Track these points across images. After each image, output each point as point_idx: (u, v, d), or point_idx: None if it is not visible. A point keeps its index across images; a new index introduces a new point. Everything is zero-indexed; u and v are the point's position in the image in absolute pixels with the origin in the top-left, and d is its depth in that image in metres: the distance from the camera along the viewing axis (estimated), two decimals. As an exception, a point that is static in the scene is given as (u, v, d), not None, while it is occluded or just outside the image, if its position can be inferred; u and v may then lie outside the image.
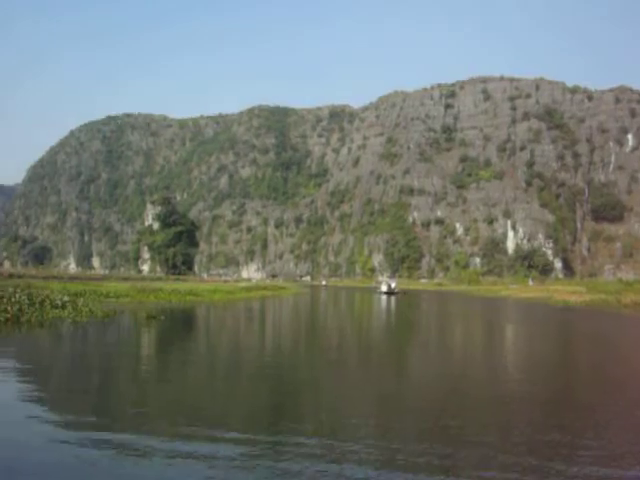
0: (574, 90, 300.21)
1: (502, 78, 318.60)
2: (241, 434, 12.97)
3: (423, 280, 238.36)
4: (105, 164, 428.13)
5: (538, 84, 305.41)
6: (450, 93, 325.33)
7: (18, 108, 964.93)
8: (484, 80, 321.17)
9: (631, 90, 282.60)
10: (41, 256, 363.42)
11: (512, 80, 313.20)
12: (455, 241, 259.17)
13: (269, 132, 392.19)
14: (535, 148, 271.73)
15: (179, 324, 42.70)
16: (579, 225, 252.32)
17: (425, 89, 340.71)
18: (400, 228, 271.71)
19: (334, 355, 27.80)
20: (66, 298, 44.04)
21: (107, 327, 36.02)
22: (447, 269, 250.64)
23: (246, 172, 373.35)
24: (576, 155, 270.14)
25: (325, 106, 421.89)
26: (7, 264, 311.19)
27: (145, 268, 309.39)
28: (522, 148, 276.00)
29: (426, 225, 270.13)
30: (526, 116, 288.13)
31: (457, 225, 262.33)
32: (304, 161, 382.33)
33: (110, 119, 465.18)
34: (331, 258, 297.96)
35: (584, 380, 23.09)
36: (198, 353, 27.32)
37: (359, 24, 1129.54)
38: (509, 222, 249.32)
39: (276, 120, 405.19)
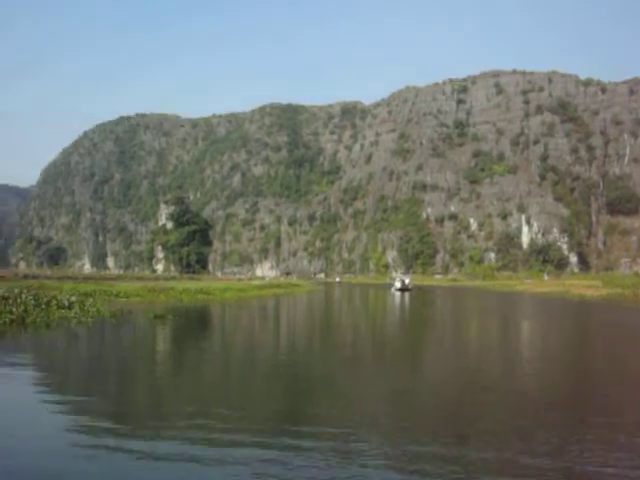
0: (587, 82, 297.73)
1: (514, 72, 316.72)
2: (258, 437, 12.64)
3: (437, 276, 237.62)
4: (118, 164, 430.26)
5: (551, 77, 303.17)
6: (462, 88, 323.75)
7: (31, 110, 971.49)
8: (496, 74, 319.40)
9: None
10: (56, 257, 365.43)
11: (524, 73, 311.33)
12: (469, 236, 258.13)
13: (281, 130, 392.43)
14: (549, 142, 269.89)
15: (187, 323, 42.27)
16: (594, 219, 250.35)
17: (437, 84, 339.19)
18: (414, 224, 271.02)
19: (349, 352, 27.52)
20: (73, 298, 43.72)
21: (112, 327, 35.86)
22: (461, 265, 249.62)
23: (259, 170, 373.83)
24: (590, 148, 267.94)
25: (337, 103, 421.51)
26: (22, 265, 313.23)
27: (159, 267, 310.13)
28: (536, 142, 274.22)
29: (440, 221, 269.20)
30: (539, 109, 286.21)
31: (471, 220, 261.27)
32: (316, 158, 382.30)
33: (123, 119, 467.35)
34: (345, 255, 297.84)
35: (606, 376, 22.57)
36: (205, 352, 26.85)
37: (369, 21, 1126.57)
38: (523, 216, 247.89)
39: (288, 118, 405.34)
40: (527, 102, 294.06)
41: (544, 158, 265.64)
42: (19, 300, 37.97)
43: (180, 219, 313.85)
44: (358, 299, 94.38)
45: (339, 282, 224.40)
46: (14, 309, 35.32)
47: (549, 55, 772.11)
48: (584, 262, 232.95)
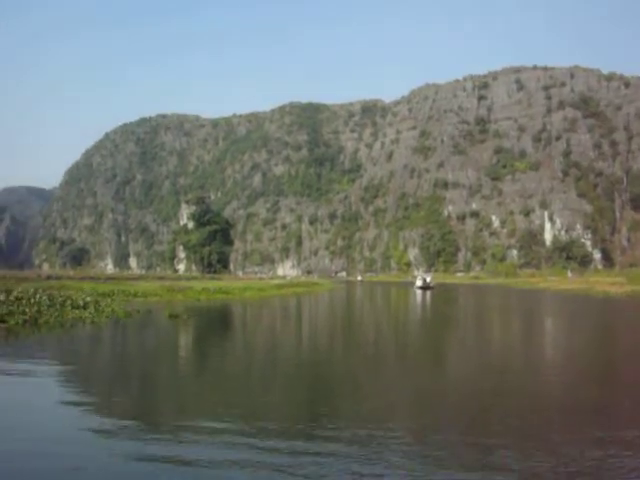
0: (610, 77, 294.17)
1: (535, 67, 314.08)
2: (282, 440, 12.56)
3: (459, 274, 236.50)
4: (140, 165, 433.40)
5: (573, 72, 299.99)
6: (483, 84, 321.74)
7: (54, 112, 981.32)
8: (517, 70, 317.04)
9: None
10: (79, 257, 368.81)
11: (546, 69, 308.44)
12: (491, 234, 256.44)
13: (301, 129, 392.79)
14: (571, 137, 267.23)
15: (203, 323, 42.04)
16: (618, 215, 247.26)
17: (457, 81, 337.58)
18: (435, 222, 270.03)
19: (371, 352, 27.25)
20: (88, 299, 43.71)
21: (125, 328, 35.95)
22: (484, 262, 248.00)
23: (279, 170, 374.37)
24: (613, 143, 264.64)
25: (357, 101, 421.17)
26: (46, 266, 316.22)
27: (181, 267, 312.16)
28: (558, 138, 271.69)
29: (461, 218, 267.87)
30: (561, 105, 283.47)
31: (493, 217, 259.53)
32: (337, 157, 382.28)
33: (144, 120, 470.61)
34: (366, 253, 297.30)
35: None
36: (218, 353, 26.48)
37: (388, 18, 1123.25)
38: (546, 213, 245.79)
39: (308, 117, 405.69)
40: (549, 98, 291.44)
41: (566, 154, 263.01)
42: (33, 300, 38.04)
43: (201, 219, 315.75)
44: (379, 298, 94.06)
45: (360, 281, 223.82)
46: (27, 309, 35.35)
47: (571, 50, 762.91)
48: (608, 259, 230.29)
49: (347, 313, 58.67)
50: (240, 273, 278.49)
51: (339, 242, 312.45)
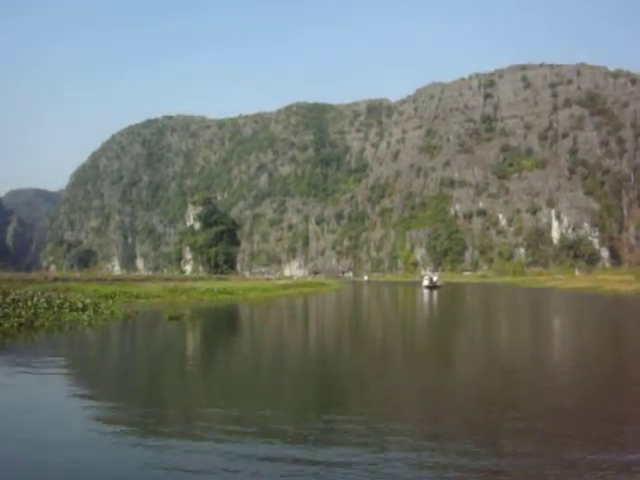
0: (617, 74, 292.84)
1: (542, 65, 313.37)
2: (290, 445, 12.32)
3: (467, 273, 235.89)
4: (146, 167, 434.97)
5: (579, 70, 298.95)
6: (489, 82, 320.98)
7: (63, 115, 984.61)
8: (523, 68, 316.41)
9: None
10: (86, 259, 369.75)
11: (552, 67, 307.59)
12: (498, 232, 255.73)
13: (307, 129, 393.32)
14: (578, 135, 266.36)
15: (202, 325, 41.64)
16: (626, 212, 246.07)
17: (463, 79, 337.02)
18: (442, 221, 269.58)
19: (378, 351, 26.80)
20: (87, 300, 43.11)
21: (121, 330, 35.66)
22: (491, 261, 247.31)
23: (285, 170, 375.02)
24: (621, 141, 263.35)
25: (362, 101, 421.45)
26: (53, 268, 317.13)
27: (188, 268, 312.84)
28: (564, 135, 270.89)
29: (468, 217, 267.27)
30: (568, 103, 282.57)
31: (500, 216, 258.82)
32: (343, 157, 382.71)
33: (150, 122, 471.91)
34: (373, 253, 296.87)
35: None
36: (217, 356, 25.57)
37: (391, 17, 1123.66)
38: (553, 211, 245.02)
39: (314, 117, 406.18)
40: (555, 95, 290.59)
41: (573, 152, 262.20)
42: (30, 303, 37.29)
43: (208, 220, 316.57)
44: (386, 297, 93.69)
45: (367, 281, 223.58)
46: (23, 312, 34.70)
47: (577, 47, 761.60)
48: (616, 257, 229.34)
49: (353, 313, 58.18)
50: (247, 274, 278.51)
51: (346, 242, 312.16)
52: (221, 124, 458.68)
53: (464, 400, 16.93)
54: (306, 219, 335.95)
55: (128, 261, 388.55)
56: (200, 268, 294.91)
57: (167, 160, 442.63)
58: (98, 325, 35.99)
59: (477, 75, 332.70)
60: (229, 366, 22.72)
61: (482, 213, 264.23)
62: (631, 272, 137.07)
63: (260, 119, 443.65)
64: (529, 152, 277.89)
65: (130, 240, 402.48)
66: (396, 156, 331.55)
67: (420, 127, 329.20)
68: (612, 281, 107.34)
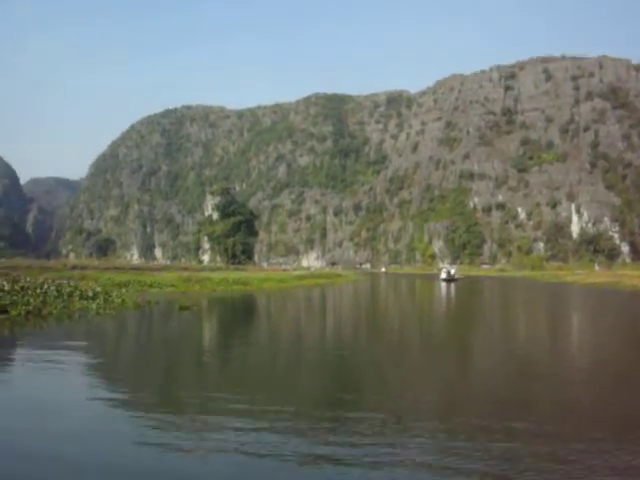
0: (639, 67, 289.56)
1: (564, 57, 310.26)
2: (305, 437, 12.41)
3: (485, 266, 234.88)
4: (165, 156, 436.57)
5: (601, 62, 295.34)
6: (509, 75, 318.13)
7: (84, 102, 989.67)
8: (545, 60, 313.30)
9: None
10: (105, 248, 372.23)
11: (574, 59, 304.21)
12: (517, 226, 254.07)
13: (326, 120, 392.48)
14: (599, 128, 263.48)
15: (213, 315, 41.61)
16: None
17: (483, 71, 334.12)
18: (460, 214, 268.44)
19: (395, 343, 26.73)
20: (98, 289, 43.08)
21: (130, 319, 35.69)
22: (509, 255, 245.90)
23: (304, 161, 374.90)
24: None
25: (382, 92, 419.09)
26: (72, 256, 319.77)
27: (205, 258, 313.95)
28: (586, 129, 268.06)
29: (487, 210, 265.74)
30: (589, 96, 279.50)
31: (519, 210, 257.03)
32: (362, 148, 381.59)
33: (169, 112, 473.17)
34: (391, 245, 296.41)
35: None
36: (225, 348, 25.49)
37: (412, 8, 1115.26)
38: (573, 205, 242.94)
39: (333, 107, 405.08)
40: (577, 88, 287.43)
41: (595, 145, 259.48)
42: (39, 290, 37.16)
43: (226, 210, 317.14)
44: (403, 289, 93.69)
45: (385, 272, 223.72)
46: (32, 300, 34.50)
47: (599, 40, 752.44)
48: (636, 252, 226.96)
49: (370, 305, 58.20)
50: (264, 264, 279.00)
51: (363, 234, 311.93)
52: (240, 114, 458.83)
53: (480, 394, 16.97)
54: (324, 210, 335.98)
55: (147, 250, 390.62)
56: (218, 258, 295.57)
57: (186, 150, 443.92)
58: (107, 314, 35.88)
59: (498, 67, 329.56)
60: (233, 358, 22.53)
61: (501, 206, 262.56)
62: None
63: (279, 109, 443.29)
64: (550, 145, 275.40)
65: (149, 229, 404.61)
66: (415, 148, 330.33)
67: (440, 119, 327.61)
68: (632, 276, 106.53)
